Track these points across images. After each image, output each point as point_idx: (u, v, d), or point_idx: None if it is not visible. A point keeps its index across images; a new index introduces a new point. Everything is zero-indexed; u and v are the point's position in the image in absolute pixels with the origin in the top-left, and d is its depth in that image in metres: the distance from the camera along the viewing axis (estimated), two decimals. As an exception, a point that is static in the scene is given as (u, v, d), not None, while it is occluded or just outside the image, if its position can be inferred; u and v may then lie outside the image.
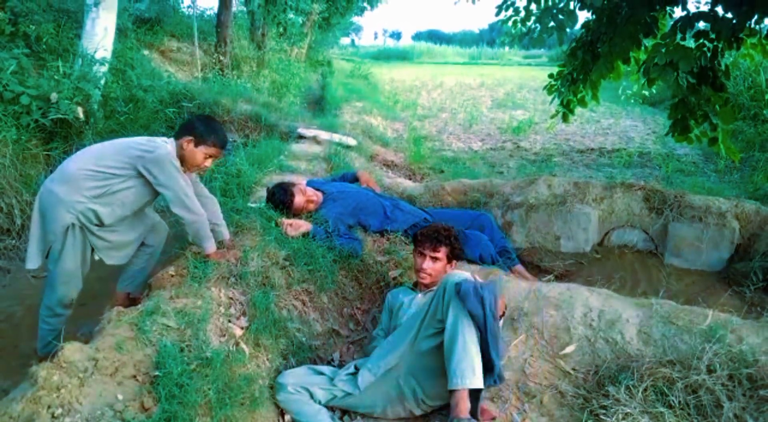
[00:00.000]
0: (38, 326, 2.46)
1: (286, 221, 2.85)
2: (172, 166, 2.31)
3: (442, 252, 2.40)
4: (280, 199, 3.01)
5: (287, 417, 2.05)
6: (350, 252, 2.88)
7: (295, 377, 2.11)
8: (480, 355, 1.85)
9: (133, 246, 2.58)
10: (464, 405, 1.78)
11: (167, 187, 2.32)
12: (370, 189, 3.47)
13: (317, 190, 3.21)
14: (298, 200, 3.03)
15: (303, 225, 2.86)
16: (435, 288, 2.39)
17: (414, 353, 2.01)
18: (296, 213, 3.04)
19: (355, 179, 3.66)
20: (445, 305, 1.94)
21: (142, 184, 2.35)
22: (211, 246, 2.49)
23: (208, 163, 2.50)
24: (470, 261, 2.95)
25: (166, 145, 2.36)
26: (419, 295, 2.43)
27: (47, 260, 2.35)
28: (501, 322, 2.05)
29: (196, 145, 2.42)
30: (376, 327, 2.59)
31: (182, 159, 2.42)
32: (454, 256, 2.45)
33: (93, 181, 2.27)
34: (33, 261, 2.33)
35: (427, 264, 2.39)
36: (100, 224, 2.35)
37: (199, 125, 2.43)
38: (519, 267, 3.13)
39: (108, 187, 2.29)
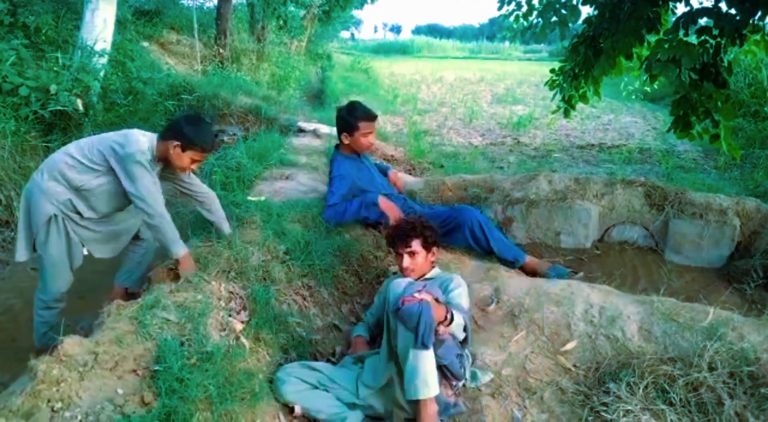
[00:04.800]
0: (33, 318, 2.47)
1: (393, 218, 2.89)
2: (138, 165, 2.24)
3: (415, 245, 2.34)
4: (364, 111, 3.14)
5: (297, 409, 2.03)
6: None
7: (294, 371, 2.10)
8: (433, 363, 1.86)
9: (121, 240, 2.55)
10: (428, 412, 1.84)
11: (130, 184, 2.26)
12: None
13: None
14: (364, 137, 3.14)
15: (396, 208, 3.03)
16: (428, 276, 2.39)
17: None
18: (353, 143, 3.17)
19: (385, 174, 3.56)
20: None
21: (116, 181, 2.30)
22: (179, 250, 2.32)
23: (194, 165, 2.44)
24: (466, 250, 2.90)
25: (139, 143, 2.29)
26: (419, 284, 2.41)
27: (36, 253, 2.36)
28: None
29: (183, 149, 2.34)
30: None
31: (167, 160, 2.38)
32: (430, 244, 2.40)
33: (73, 172, 2.27)
34: (21, 254, 2.34)
35: (407, 263, 2.35)
36: (81, 215, 2.34)
37: (187, 130, 2.33)
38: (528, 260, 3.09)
39: (85, 181, 2.28)
